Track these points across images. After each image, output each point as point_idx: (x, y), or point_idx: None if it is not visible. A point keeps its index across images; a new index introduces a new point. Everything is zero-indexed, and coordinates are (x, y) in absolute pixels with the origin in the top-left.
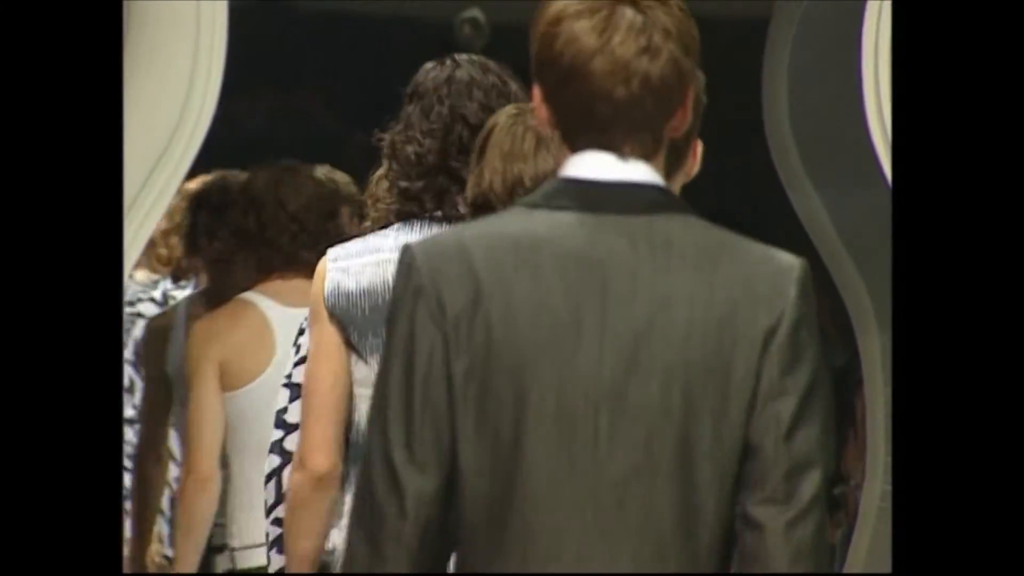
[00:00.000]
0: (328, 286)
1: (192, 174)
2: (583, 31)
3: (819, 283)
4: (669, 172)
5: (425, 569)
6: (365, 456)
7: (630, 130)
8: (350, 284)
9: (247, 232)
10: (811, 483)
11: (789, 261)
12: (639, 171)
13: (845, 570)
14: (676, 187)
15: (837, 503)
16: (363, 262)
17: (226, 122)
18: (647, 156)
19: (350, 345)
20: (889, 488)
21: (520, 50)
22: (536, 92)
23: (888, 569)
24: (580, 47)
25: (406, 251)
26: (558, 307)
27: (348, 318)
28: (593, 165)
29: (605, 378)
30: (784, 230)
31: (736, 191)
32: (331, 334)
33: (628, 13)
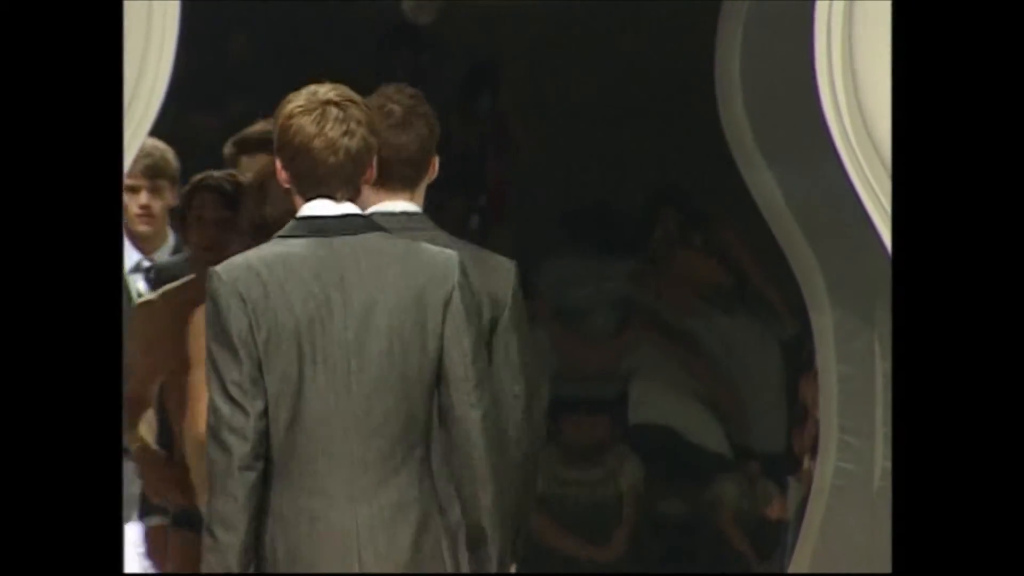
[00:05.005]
0: None
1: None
2: (307, 123)
3: (771, 260)
4: (417, 181)
5: (261, 457)
6: (210, 399)
7: (339, 184)
8: None
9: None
10: (488, 392)
11: (451, 254)
12: (348, 208)
13: (798, 547)
14: (423, 189)
15: (785, 483)
16: None
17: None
18: (352, 199)
19: None
20: (843, 465)
21: (469, 25)
22: (278, 162)
23: (852, 552)
24: (305, 133)
25: (213, 271)
26: (316, 296)
27: None
28: (319, 207)
29: (350, 337)
30: (737, 207)
31: (690, 169)
32: None
33: (334, 110)
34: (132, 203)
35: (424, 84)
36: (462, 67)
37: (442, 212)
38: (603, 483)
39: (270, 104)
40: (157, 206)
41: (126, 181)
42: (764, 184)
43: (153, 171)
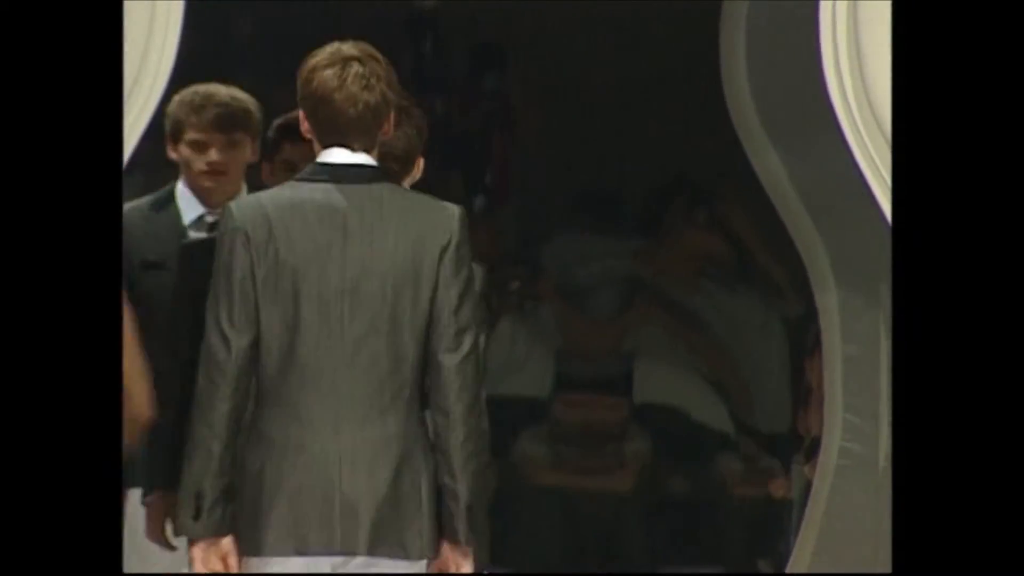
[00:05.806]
0: None
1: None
2: (329, 76)
3: (777, 240)
4: (400, 177)
5: (240, 390)
6: (206, 330)
7: (357, 135)
8: None
9: None
10: (471, 339)
11: (453, 207)
12: (362, 158)
13: (802, 527)
14: (407, 185)
15: (789, 463)
16: None
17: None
18: (367, 150)
19: None
20: (847, 445)
21: (475, 6)
22: (302, 113)
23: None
24: (327, 87)
25: (227, 207)
26: (318, 238)
27: None
28: (336, 155)
29: (347, 278)
30: (743, 188)
31: (695, 150)
32: None
33: (355, 65)
34: (198, 160)
35: (429, 66)
36: (467, 49)
37: (446, 191)
38: (608, 462)
39: (273, 88)
40: (231, 162)
41: (189, 135)
42: (770, 165)
43: (228, 123)
